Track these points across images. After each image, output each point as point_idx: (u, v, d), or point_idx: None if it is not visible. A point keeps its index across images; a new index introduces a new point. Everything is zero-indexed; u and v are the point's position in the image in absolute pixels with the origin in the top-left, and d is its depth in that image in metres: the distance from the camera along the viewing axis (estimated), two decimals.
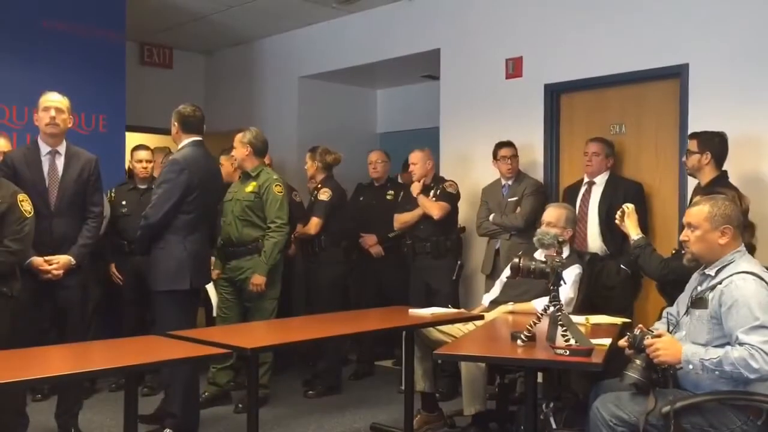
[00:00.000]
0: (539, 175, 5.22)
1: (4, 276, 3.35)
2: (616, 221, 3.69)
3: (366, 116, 7.65)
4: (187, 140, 4.00)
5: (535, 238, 3.56)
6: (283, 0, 6.07)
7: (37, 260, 3.73)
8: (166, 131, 4.34)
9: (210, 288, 4.59)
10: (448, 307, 4.21)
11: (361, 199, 5.65)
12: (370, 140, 7.44)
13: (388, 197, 5.46)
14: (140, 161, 5.12)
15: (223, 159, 5.21)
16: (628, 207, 3.65)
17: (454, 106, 5.80)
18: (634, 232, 3.62)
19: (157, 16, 6.46)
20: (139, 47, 7.26)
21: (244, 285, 4.51)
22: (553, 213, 4.06)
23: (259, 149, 4.66)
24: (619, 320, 3.44)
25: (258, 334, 3.70)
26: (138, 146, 5.27)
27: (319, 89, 7.11)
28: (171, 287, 3.84)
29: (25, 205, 3.54)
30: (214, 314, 4.66)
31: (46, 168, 3.87)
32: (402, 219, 5.13)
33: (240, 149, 4.61)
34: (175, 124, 4.03)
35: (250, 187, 4.57)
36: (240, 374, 4.79)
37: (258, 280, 4.43)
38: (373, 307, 4.75)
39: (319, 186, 5.16)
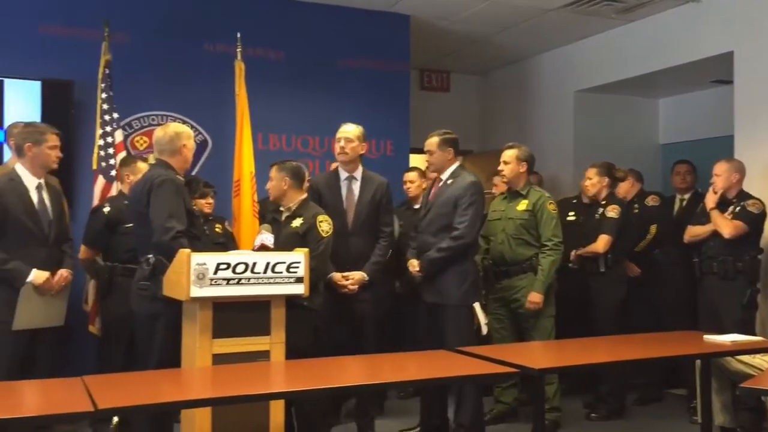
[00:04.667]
0: None
1: None
2: None
3: (646, 127, 7.25)
4: (456, 164, 4.18)
5: None
6: (559, 16, 6.02)
7: (336, 276, 4.12)
8: None
9: (476, 306, 4.41)
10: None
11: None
12: (652, 152, 7.07)
13: None
14: (412, 182, 5.35)
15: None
16: None
17: (752, 112, 5.27)
18: None
19: (436, 44, 6.78)
20: (419, 74, 7.66)
21: (517, 304, 4.47)
22: None
23: (533, 166, 4.63)
24: None
25: (542, 354, 3.68)
26: (408, 169, 5.57)
27: (595, 102, 6.91)
28: (462, 302, 4.02)
29: (324, 225, 3.92)
30: (483, 332, 4.41)
31: (344, 192, 4.27)
32: (692, 232, 4.75)
33: (515, 166, 4.48)
34: (449, 149, 4.17)
35: (523, 205, 4.49)
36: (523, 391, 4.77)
37: (536, 297, 4.38)
38: (650, 329, 4.46)
39: (605, 202, 4.98)
